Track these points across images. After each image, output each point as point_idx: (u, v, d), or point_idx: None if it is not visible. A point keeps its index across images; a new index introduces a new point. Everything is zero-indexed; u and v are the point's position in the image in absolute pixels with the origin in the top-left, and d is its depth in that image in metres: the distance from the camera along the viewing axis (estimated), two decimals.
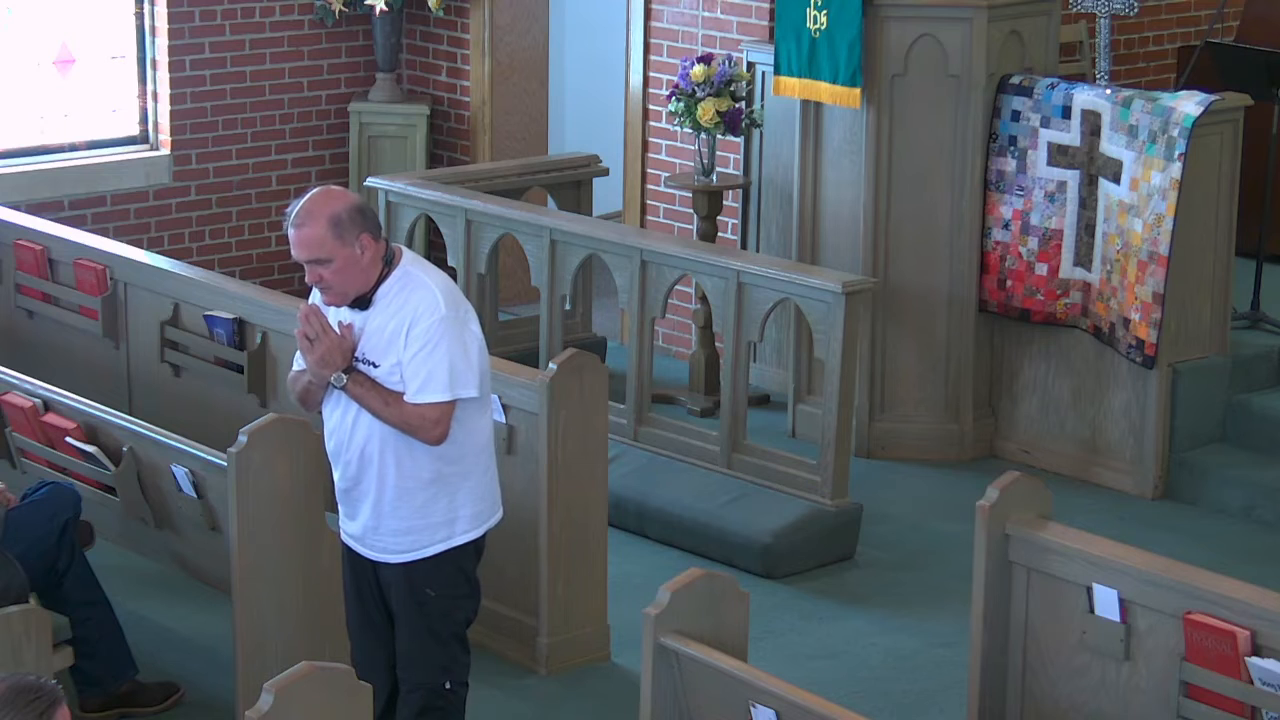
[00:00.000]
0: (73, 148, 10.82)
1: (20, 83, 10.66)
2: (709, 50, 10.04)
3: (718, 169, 9.89)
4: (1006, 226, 9.18)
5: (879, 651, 7.63)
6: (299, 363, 5.89)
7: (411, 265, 5.78)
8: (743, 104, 9.65)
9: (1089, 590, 5.81)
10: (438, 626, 5.88)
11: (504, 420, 7.31)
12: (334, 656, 6.27)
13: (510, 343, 9.95)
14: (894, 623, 7.86)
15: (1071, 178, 8.94)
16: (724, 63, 9.62)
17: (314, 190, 5.75)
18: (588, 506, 7.35)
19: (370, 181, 9.93)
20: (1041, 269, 9.08)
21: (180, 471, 6.80)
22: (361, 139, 11.29)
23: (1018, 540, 5.99)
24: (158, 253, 9.70)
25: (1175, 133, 8.51)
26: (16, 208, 9.66)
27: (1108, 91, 8.87)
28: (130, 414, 7.59)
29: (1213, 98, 8.67)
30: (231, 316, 8.07)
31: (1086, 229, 8.91)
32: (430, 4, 11.20)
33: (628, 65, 10.73)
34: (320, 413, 5.92)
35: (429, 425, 5.68)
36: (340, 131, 11.38)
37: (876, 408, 9.42)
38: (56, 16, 10.72)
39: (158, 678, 7.05)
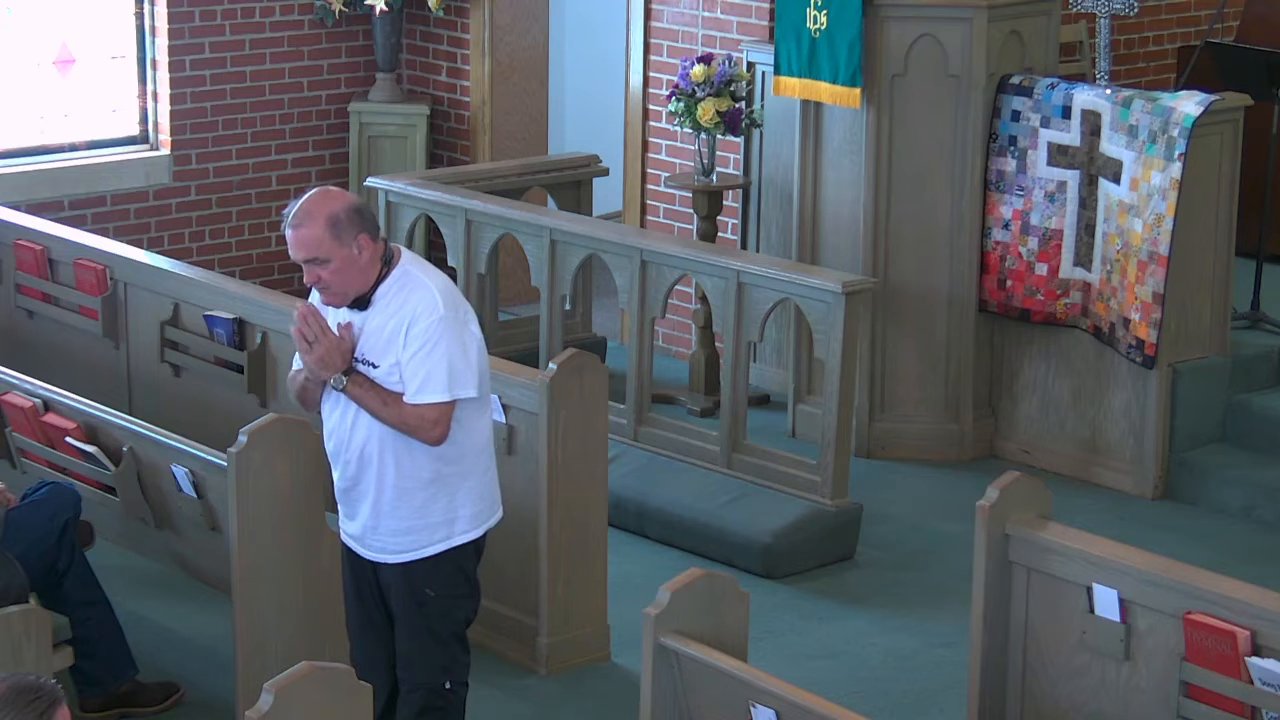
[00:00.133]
0: (73, 148, 10.81)
1: (20, 83, 10.65)
2: (709, 50, 10.03)
3: (718, 169, 9.88)
4: (1006, 226, 9.17)
5: (879, 651, 7.63)
6: (298, 362, 5.88)
7: (410, 265, 5.78)
8: (743, 104, 9.64)
9: (1089, 590, 5.81)
10: (437, 626, 5.87)
11: (504, 420, 7.31)
12: (334, 656, 6.26)
13: (510, 343, 9.95)
14: (894, 623, 7.85)
15: (1071, 178, 8.94)
16: (724, 63, 9.62)
17: (312, 191, 5.75)
18: (588, 506, 7.35)
19: (370, 181, 9.92)
20: (1041, 269, 9.08)
21: (180, 471, 6.79)
22: (361, 139, 11.29)
23: (1018, 540, 5.99)
24: (158, 253, 9.70)
25: (1175, 133, 8.51)
26: (16, 208, 9.65)
27: (1108, 91, 8.87)
28: (130, 414, 7.58)
29: (1213, 98, 8.67)
30: (231, 316, 8.07)
31: (1086, 229, 8.91)
32: (430, 4, 11.19)
33: (628, 65, 10.72)
34: (320, 412, 5.92)
35: (428, 425, 5.68)
36: (340, 131, 11.38)
37: (876, 408, 9.41)
38: (56, 16, 10.71)
39: (158, 678, 7.05)
